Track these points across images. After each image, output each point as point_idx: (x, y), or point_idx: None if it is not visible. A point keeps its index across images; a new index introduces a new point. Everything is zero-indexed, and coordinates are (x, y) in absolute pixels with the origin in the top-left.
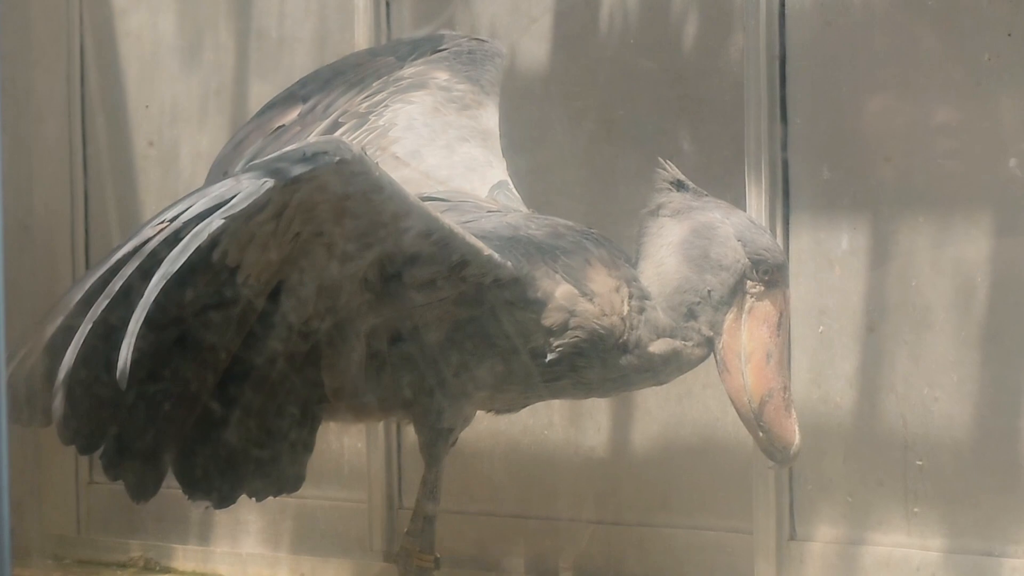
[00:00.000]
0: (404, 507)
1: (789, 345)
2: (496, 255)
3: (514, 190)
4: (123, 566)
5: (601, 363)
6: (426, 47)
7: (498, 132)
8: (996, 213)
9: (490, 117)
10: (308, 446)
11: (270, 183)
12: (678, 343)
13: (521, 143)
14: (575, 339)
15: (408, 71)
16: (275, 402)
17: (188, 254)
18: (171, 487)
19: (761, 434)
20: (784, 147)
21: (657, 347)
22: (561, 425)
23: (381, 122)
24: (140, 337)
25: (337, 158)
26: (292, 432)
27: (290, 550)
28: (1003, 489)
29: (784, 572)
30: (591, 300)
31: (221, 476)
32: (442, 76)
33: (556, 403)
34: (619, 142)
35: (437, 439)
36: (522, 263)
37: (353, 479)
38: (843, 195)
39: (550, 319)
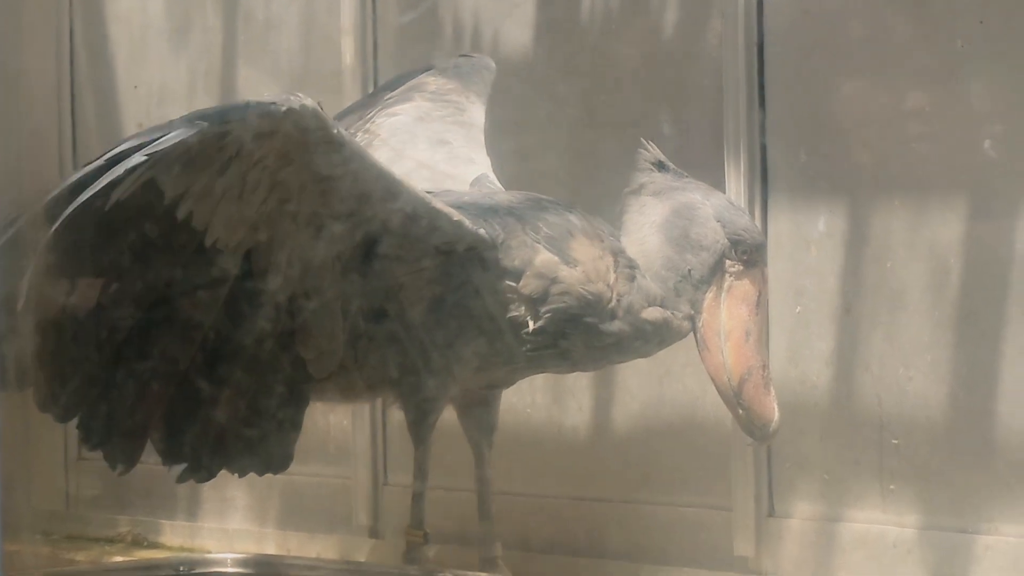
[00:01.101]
0: (389, 484)
1: (767, 323)
2: (467, 221)
3: (496, 182)
4: (111, 541)
5: (587, 331)
6: (419, 70)
7: (482, 133)
8: (970, 197)
9: (474, 118)
10: (296, 425)
11: (204, 125)
12: (668, 313)
13: (503, 127)
14: (563, 305)
15: (397, 92)
16: (261, 380)
17: (104, 183)
18: (159, 463)
19: (741, 411)
20: (762, 132)
21: (649, 314)
22: (544, 404)
23: (362, 136)
24: (123, 311)
25: (285, 107)
26: (279, 411)
27: (276, 526)
28: (977, 467)
29: (762, 548)
30: (574, 267)
31: (207, 453)
32: (430, 87)
33: (538, 382)
34: (600, 127)
35: (423, 417)
36: (497, 231)
37: (338, 456)
38: (820, 178)
39: (529, 287)
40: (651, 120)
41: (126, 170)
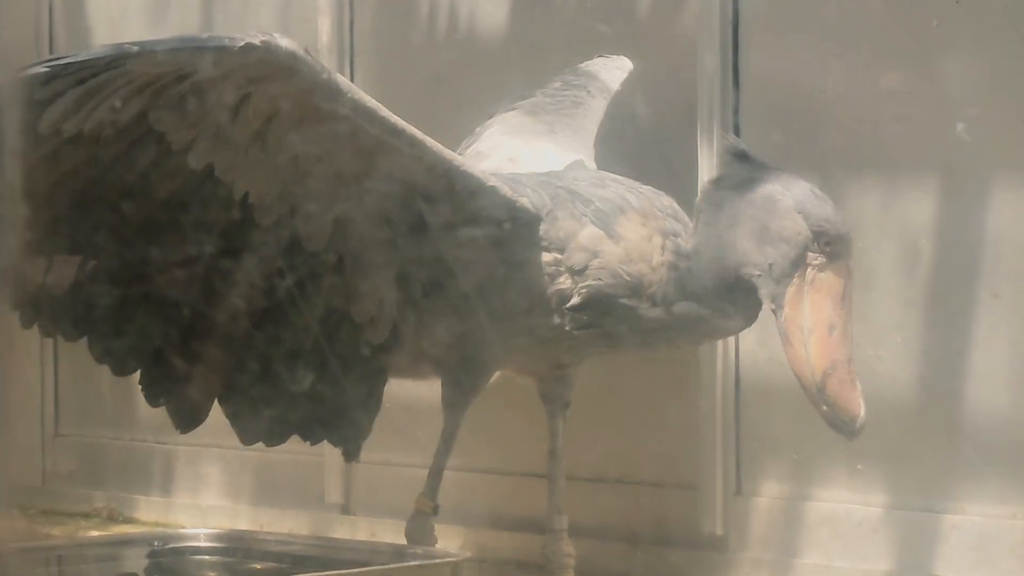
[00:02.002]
0: (360, 461)
1: (852, 317)
2: (504, 188)
3: (592, 167)
4: (87, 516)
5: (626, 314)
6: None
7: (595, 126)
8: (942, 178)
9: (589, 111)
10: (373, 397)
11: (132, 49)
12: (704, 311)
13: (480, 104)
14: (599, 281)
15: (535, 92)
16: (324, 344)
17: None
18: (135, 439)
19: (824, 407)
20: (736, 112)
21: (680, 308)
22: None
23: (479, 129)
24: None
25: (250, 42)
26: (351, 380)
27: (249, 502)
28: (944, 447)
29: (729, 526)
30: (617, 243)
31: (275, 418)
32: (555, 84)
33: None
34: None
35: (463, 392)
36: (545, 201)
37: None
38: (793, 158)
39: (572, 259)
40: (625, 98)
41: (91, 59)
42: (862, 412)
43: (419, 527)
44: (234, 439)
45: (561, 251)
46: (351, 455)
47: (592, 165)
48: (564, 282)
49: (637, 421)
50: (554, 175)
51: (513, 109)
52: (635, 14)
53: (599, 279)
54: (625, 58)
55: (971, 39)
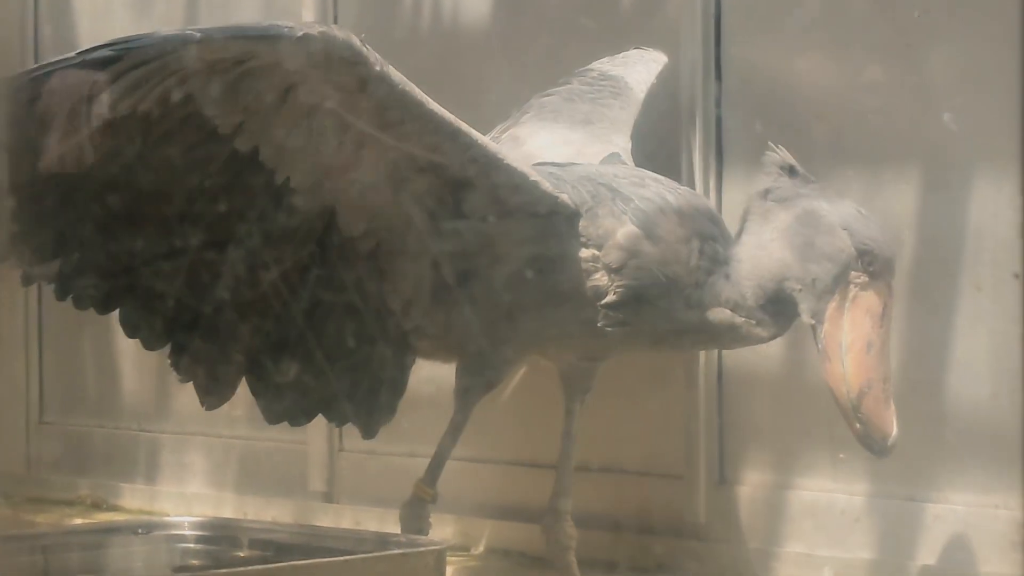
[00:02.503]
0: (344, 449)
1: (891, 337)
2: (546, 184)
3: (629, 162)
4: (71, 504)
5: (659, 314)
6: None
7: (632, 118)
8: (924, 169)
9: (627, 103)
10: (399, 380)
11: (196, 35)
12: (738, 318)
13: (463, 97)
14: (636, 281)
15: (569, 79)
16: (357, 328)
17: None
18: (120, 427)
19: (858, 424)
20: (718, 104)
21: (714, 315)
22: None
23: (516, 115)
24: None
25: (299, 33)
26: (381, 362)
27: (234, 490)
28: (926, 437)
29: (712, 515)
30: (655, 244)
31: (303, 397)
32: (592, 73)
33: None
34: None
35: (483, 382)
36: (586, 198)
37: None
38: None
39: (610, 257)
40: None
41: (130, 47)
42: (895, 431)
43: (415, 514)
44: (218, 427)
45: (599, 248)
46: (369, 433)
47: (628, 159)
48: (600, 279)
49: (621, 410)
50: (595, 171)
51: (550, 95)
52: (618, 7)
53: (636, 278)
54: (660, 52)
55: (953, 29)
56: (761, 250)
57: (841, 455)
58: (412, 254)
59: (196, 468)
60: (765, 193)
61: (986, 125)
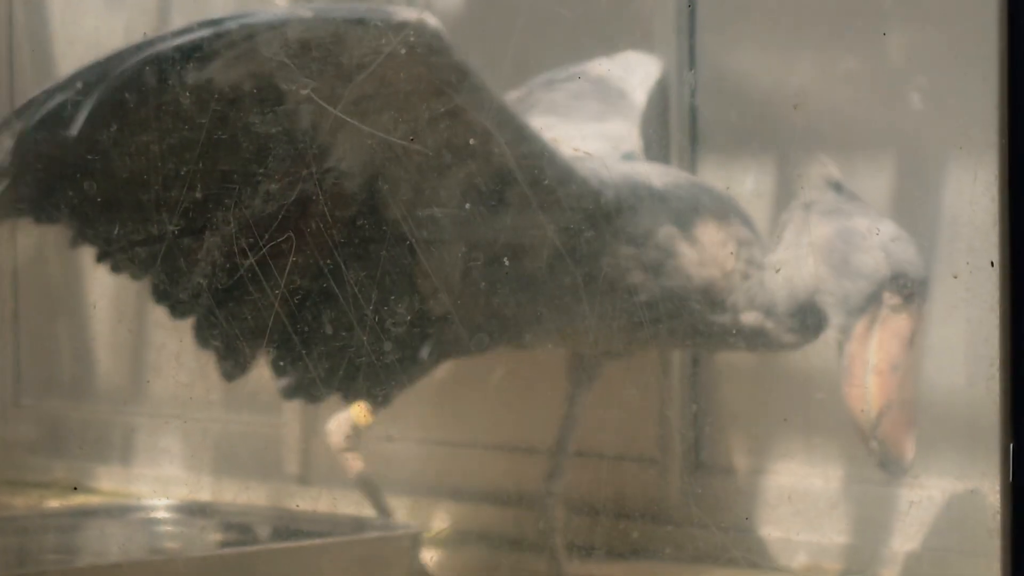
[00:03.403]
0: (319, 433)
1: (918, 362)
2: (594, 179)
3: (642, 157)
4: (47, 486)
5: (693, 316)
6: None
7: (639, 120)
8: (897, 155)
9: (634, 104)
10: (415, 365)
11: (307, 14)
12: (768, 323)
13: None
14: (672, 282)
15: (561, 75)
16: (381, 311)
17: (193, 36)
18: (96, 410)
19: (874, 444)
20: (693, 93)
21: (747, 318)
22: None
23: (523, 108)
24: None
25: (413, 18)
26: (398, 345)
27: (210, 472)
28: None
29: (687, 498)
30: (692, 246)
31: (320, 375)
32: (594, 72)
33: None
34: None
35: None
36: (626, 195)
37: (270, 404)
38: (750, 138)
39: (648, 256)
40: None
41: (239, 24)
42: (911, 456)
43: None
44: (194, 410)
45: (638, 246)
46: (384, 402)
47: (640, 153)
48: (636, 277)
49: (596, 394)
50: (631, 168)
51: (555, 91)
52: None
53: (673, 280)
54: (654, 56)
55: (926, 15)
56: (797, 261)
57: (817, 440)
58: (446, 242)
59: (172, 451)
60: (808, 205)
61: (962, 112)
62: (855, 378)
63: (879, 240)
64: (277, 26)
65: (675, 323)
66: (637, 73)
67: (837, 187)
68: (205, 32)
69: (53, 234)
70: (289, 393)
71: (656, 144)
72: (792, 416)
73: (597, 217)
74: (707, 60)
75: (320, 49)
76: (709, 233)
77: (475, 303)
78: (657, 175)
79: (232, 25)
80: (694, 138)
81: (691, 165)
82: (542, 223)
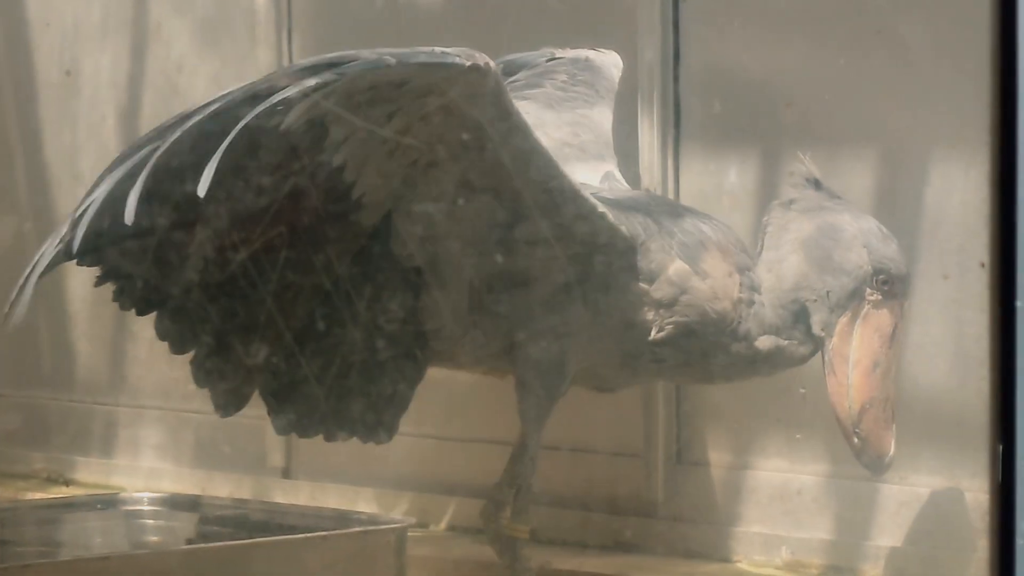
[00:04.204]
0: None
1: (900, 358)
2: (611, 216)
3: (623, 181)
4: (26, 478)
5: (706, 350)
6: (537, 55)
7: (610, 131)
8: (881, 149)
9: (603, 117)
10: (405, 398)
11: (391, 60)
12: (783, 341)
13: None
14: (685, 318)
15: (522, 76)
16: (377, 348)
17: (289, 94)
18: (75, 400)
19: (856, 440)
20: (676, 81)
21: (763, 343)
22: None
23: None
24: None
25: (469, 63)
26: (391, 383)
27: (190, 465)
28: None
29: (670, 494)
30: (704, 280)
31: (311, 412)
32: (560, 77)
33: None
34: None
35: (536, 410)
36: (639, 231)
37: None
38: (734, 129)
39: (660, 292)
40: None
41: (310, 87)
42: (891, 451)
43: (513, 554)
44: (174, 401)
45: (650, 283)
46: (383, 439)
47: (618, 174)
48: (647, 314)
49: (579, 390)
50: (632, 198)
51: (526, 99)
52: None
53: (686, 315)
54: (616, 54)
55: (909, 8)
56: (781, 262)
57: (798, 435)
58: (453, 278)
59: (151, 442)
60: (788, 203)
61: (953, 112)
62: (837, 374)
63: (861, 236)
64: (368, 73)
65: (690, 358)
66: (603, 77)
67: (816, 184)
68: (331, 75)
69: (30, 225)
70: (283, 429)
71: (639, 134)
72: (773, 411)
73: (610, 253)
74: (691, 50)
75: (382, 89)
76: (717, 265)
77: (482, 336)
78: (655, 205)
79: (348, 70)
80: (677, 128)
81: (675, 155)
82: (553, 257)
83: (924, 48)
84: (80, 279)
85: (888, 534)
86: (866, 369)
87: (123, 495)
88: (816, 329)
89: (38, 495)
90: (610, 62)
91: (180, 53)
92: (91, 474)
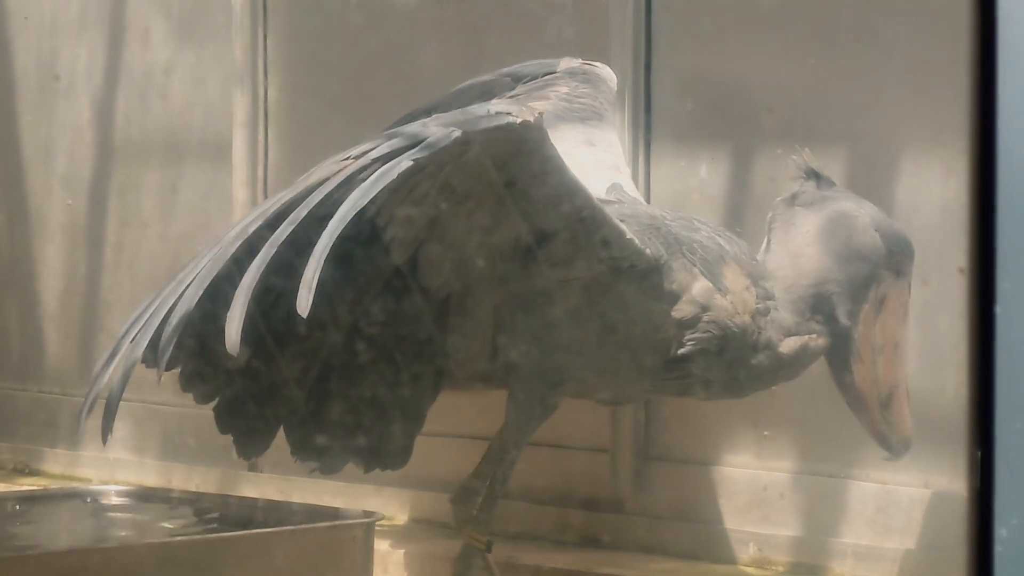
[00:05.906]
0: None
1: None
2: (637, 240)
3: (634, 191)
4: None
5: (729, 364)
6: (540, 70)
7: (619, 142)
8: (852, 146)
9: (610, 130)
10: (419, 422)
11: (458, 133)
12: (804, 338)
13: (390, 81)
14: (708, 335)
15: (528, 86)
16: (397, 380)
17: (374, 193)
18: (43, 391)
19: (884, 426)
20: (648, 72)
21: (786, 346)
22: None
23: None
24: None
25: (520, 120)
26: (407, 411)
27: (157, 456)
28: (848, 415)
29: (639, 490)
30: (725, 297)
31: (335, 448)
32: (562, 89)
33: None
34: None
35: (532, 419)
36: (661, 252)
37: None
38: (704, 126)
39: (682, 312)
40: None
41: (401, 174)
42: (910, 431)
43: (469, 564)
44: (142, 393)
45: (672, 303)
46: (400, 465)
47: (630, 184)
48: (668, 331)
49: None
50: (648, 214)
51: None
52: None
53: (708, 332)
54: (609, 68)
55: (901, 20)
56: (798, 257)
57: (766, 432)
58: (480, 305)
59: (118, 433)
60: (792, 199)
61: (932, 118)
62: (866, 361)
63: (871, 220)
64: (442, 153)
65: (715, 374)
66: (602, 90)
67: (815, 176)
68: (385, 183)
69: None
70: (311, 468)
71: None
72: (740, 407)
73: (634, 274)
74: (662, 48)
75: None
76: (736, 279)
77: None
78: (670, 220)
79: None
80: (648, 124)
81: (646, 151)
82: (575, 277)
83: (903, 54)
84: (50, 267)
85: (856, 531)
86: (890, 352)
87: (91, 488)
88: (843, 319)
89: (3, 486)
90: (606, 75)
91: (157, 48)
92: (57, 465)
